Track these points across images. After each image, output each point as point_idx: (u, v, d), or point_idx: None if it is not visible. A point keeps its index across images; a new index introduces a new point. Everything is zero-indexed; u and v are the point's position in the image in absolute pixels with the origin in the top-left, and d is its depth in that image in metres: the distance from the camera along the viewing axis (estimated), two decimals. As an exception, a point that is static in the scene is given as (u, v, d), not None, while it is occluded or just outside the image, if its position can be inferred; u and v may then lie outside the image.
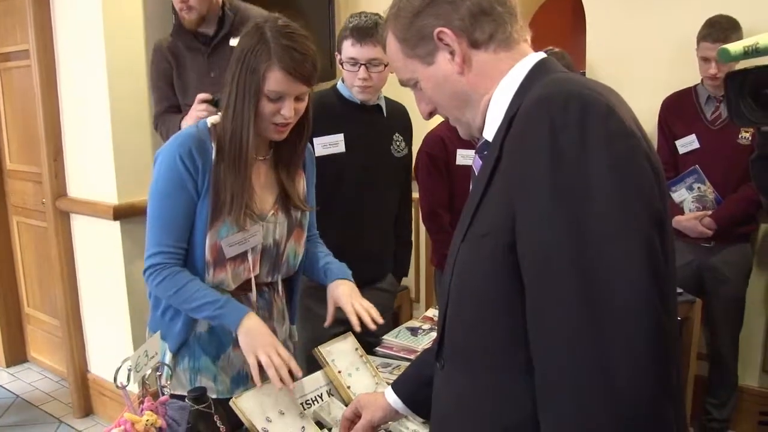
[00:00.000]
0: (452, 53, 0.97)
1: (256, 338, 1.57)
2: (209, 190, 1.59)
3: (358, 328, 1.72)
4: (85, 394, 3.39)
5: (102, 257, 3.09)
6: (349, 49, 2.15)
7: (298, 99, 1.58)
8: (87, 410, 3.41)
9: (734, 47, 1.37)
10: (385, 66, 2.18)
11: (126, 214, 2.92)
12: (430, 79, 1.01)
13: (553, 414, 0.82)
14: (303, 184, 1.82)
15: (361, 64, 2.15)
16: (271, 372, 1.53)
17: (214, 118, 1.65)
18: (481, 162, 1.02)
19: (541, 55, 1.00)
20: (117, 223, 2.93)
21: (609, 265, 0.76)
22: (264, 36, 1.52)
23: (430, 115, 1.08)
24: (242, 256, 1.68)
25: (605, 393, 0.76)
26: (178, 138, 1.61)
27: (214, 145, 1.60)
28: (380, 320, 1.74)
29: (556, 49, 2.67)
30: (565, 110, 0.81)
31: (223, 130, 1.59)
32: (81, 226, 3.19)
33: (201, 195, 1.60)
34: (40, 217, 3.55)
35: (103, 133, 2.90)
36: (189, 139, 1.59)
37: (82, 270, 3.27)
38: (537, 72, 0.96)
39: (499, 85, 0.98)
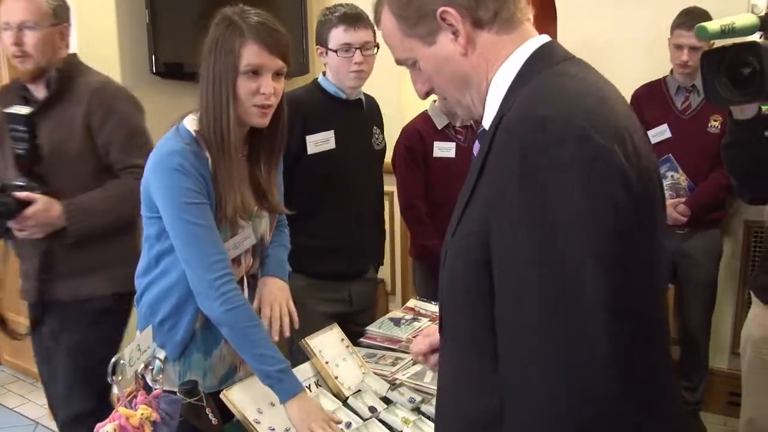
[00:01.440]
0: (455, 33, 0.93)
1: (311, 414, 1.54)
2: (216, 200, 1.56)
3: (275, 337, 1.68)
4: (61, 395, 3.34)
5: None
6: (342, 35, 2.16)
7: (276, 77, 1.58)
8: (64, 411, 3.36)
9: (711, 25, 1.40)
10: (376, 47, 2.22)
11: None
12: (431, 60, 0.97)
13: (515, 416, 0.84)
14: (280, 186, 1.81)
15: (356, 49, 2.16)
16: None
17: (192, 123, 1.59)
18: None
19: (541, 39, 0.97)
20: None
21: (572, 292, 0.78)
22: (233, 20, 1.53)
23: (426, 94, 1.05)
24: (237, 259, 1.67)
25: (567, 404, 0.79)
26: (175, 154, 1.52)
27: (208, 155, 1.56)
28: (287, 333, 1.70)
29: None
30: (539, 134, 0.80)
31: (205, 125, 1.56)
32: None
33: (213, 205, 1.57)
34: (10, 216, 3.48)
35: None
36: (186, 153, 1.53)
37: (56, 269, 3.21)
38: (535, 61, 0.94)
39: (499, 71, 0.95)
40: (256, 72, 1.53)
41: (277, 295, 1.73)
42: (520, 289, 0.81)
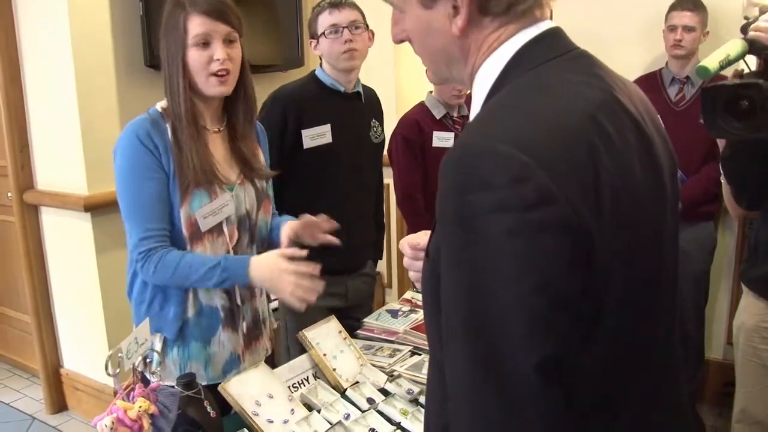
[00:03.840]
0: (455, 9, 0.83)
1: (270, 264, 1.62)
2: (176, 168, 1.63)
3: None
4: (58, 390, 3.34)
5: (73, 250, 3.04)
6: (327, 18, 2.19)
7: (229, 44, 1.63)
8: (60, 406, 3.36)
9: (710, 64, 1.42)
10: (366, 29, 2.23)
11: (97, 205, 2.87)
12: (420, 23, 0.88)
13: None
14: (262, 157, 1.85)
15: (344, 28, 2.17)
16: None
17: (163, 102, 1.69)
18: None
19: (532, 32, 0.85)
20: (88, 215, 2.89)
21: (495, 334, 0.73)
22: (178, 0, 1.62)
23: (400, 41, 0.96)
24: (218, 229, 1.69)
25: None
26: (133, 124, 1.64)
27: (168, 126, 1.64)
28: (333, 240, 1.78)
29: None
30: (475, 171, 0.74)
31: (168, 101, 1.66)
32: (50, 219, 3.13)
33: (169, 175, 1.63)
34: (5, 211, 3.47)
35: (71, 122, 2.84)
36: (144, 122, 1.64)
37: (52, 264, 3.21)
38: (515, 63, 0.85)
39: (486, 62, 0.87)
40: (205, 42, 1.61)
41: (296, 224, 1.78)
42: (450, 336, 0.77)
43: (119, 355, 1.29)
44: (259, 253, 1.84)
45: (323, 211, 2.28)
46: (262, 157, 1.85)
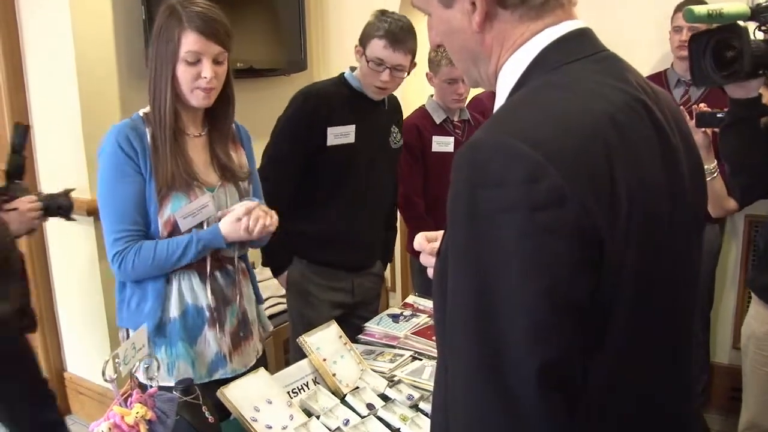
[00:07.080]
0: (473, 5, 0.84)
1: (234, 223, 1.70)
2: (153, 171, 1.66)
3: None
4: (61, 394, 3.33)
5: (76, 254, 3.04)
6: (380, 50, 2.16)
7: (217, 63, 1.67)
8: (64, 410, 3.34)
9: (699, 9, 1.44)
10: (408, 68, 2.23)
11: (100, 210, 2.88)
12: (443, 23, 0.89)
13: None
14: (243, 158, 1.88)
15: (387, 68, 2.18)
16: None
17: (146, 108, 1.73)
18: None
19: (560, 30, 0.84)
20: (91, 219, 2.89)
21: (498, 335, 0.72)
22: (174, 9, 1.64)
23: (437, 46, 1.02)
24: (200, 227, 1.72)
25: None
26: (114, 129, 1.70)
27: (148, 131, 1.68)
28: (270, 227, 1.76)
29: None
30: (487, 167, 0.73)
31: (150, 106, 1.70)
32: (54, 223, 3.13)
33: (147, 178, 1.67)
34: (9, 215, 3.47)
35: (74, 127, 2.84)
36: (124, 127, 1.69)
37: (55, 267, 3.21)
38: (540, 62, 0.84)
39: (511, 59, 0.86)
40: (196, 58, 1.64)
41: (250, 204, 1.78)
42: (453, 335, 0.77)
43: (116, 360, 1.29)
44: (239, 250, 1.88)
45: (337, 208, 2.32)
46: (244, 159, 1.88)
